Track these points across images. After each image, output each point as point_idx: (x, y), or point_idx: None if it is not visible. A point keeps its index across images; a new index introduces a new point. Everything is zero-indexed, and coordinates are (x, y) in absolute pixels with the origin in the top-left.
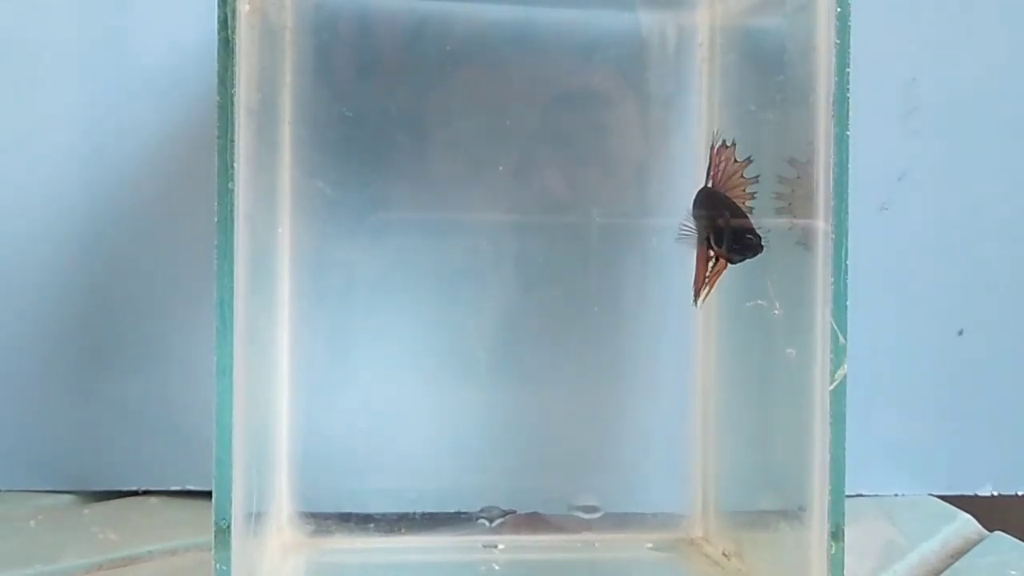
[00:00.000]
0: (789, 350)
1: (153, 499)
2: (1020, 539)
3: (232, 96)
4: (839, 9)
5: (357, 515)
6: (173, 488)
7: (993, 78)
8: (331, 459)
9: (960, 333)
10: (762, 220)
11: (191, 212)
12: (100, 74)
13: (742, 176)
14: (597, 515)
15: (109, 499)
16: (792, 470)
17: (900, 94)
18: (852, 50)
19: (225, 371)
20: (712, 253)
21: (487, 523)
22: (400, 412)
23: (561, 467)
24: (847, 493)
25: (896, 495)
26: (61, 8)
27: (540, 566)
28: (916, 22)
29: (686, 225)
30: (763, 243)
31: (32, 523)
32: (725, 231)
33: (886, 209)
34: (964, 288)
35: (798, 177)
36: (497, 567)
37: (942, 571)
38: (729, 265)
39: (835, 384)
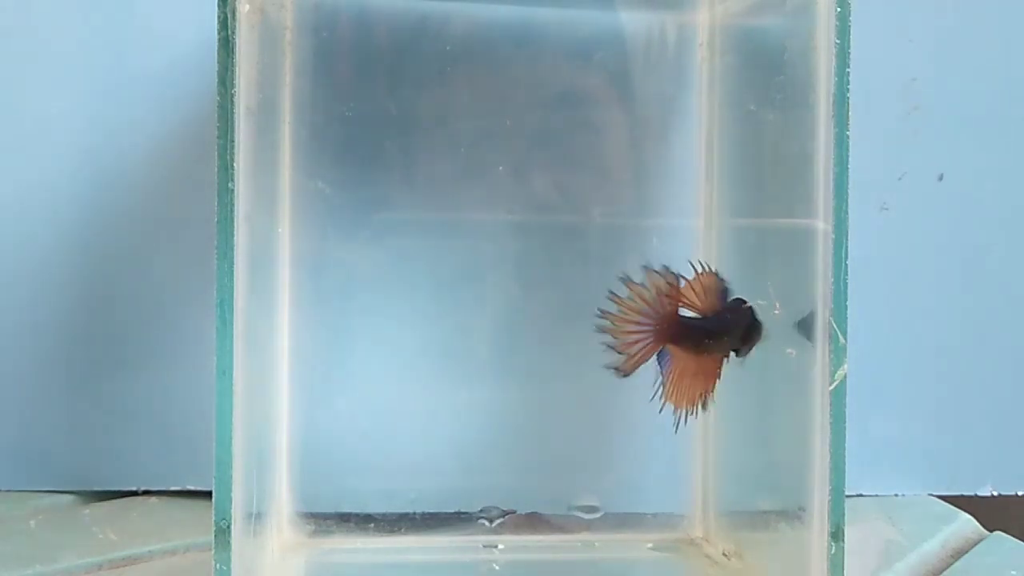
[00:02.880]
0: (789, 350)
1: (153, 499)
2: (1020, 539)
3: (232, 96)
4: (839, 9)
5: (357, 515)
6: (173, 488)
7: (993, 78)
8: (331, 459)
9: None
10: (763, 220)
11: (191, 212)
12: (99, 74)
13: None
14: (597, 515)
15: (109, 499)
16: (792, 470)
17: (900, 94)
18: (852, 50)
19: (225, 371)
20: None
21: (487, 523)
22: (400, 412)
23: (561, 467)
24: (847, 493)
25: (896, 495)
26: (60, 8)
27: (540, 566)
28: (916, 22)
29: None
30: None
31: (32, 523)
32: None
33: (886, 209)
34: (964, 288)
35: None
36: (497, 567)
37: (942, 571)
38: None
39: (835, 384)
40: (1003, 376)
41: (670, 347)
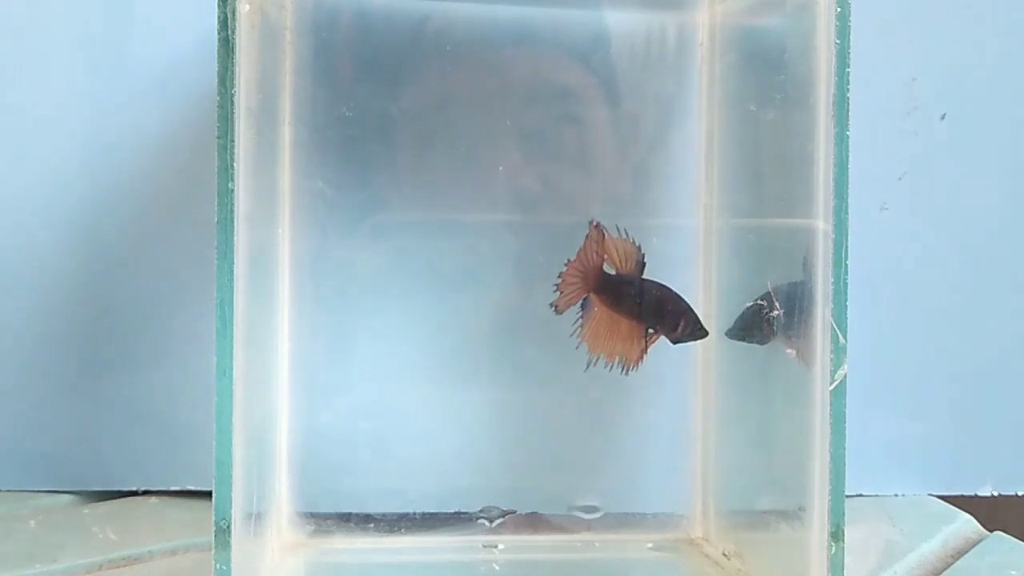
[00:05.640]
0: (789, 350)
1: (153, 499)
2: (1020, 539)
3: (232, 96)
4: (839, 9)
5: (357, 515)
6: (173, 488)
7: (993, 78)
8: (331, 459)
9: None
10: (764, 221)
11: (191, 212)
12: (100, 74)
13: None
14: (597, 515)
15: (109, 499)
16: (792, 470)
17: (900, 94)
18: (852, 50)
19: (225, 371)
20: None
21: (487, 523)
22: (400, 412)
23: (561, 467)
24: (847, 493)
25: (896, 495)
26: (61, 8)
27: (540, 566)
28: (916, 22)
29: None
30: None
31: (32, 523)
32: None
33: (886, 209)
34: (964, 288)
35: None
36: (497, 567)
37: (942, 571)
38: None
39: (835, 384)
40: (1003, 376)
41: (593, 296)
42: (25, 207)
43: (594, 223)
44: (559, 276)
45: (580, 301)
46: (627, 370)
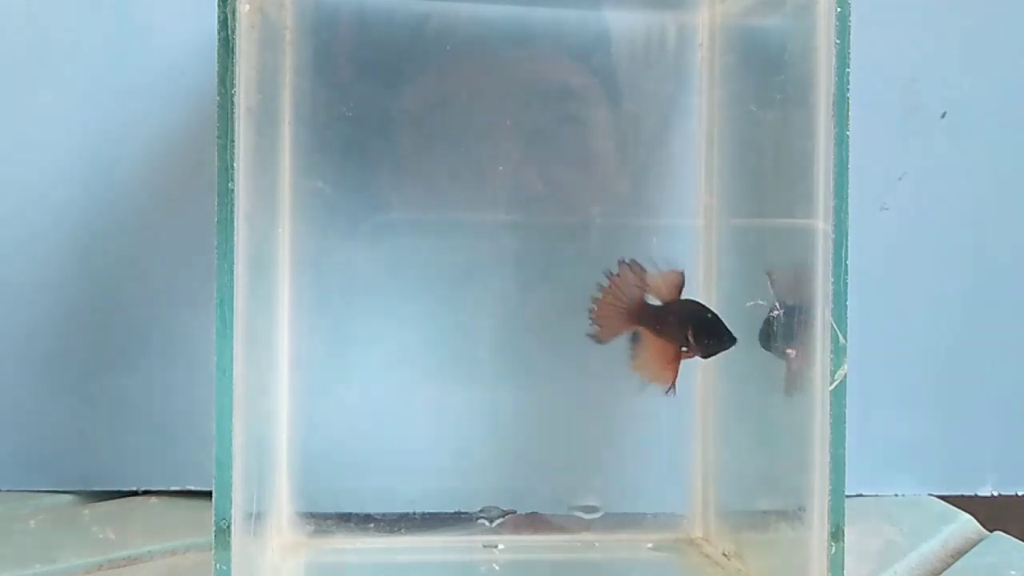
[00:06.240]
0: (789, 350)
1: (153, 499)
2: (1020, 539)
3: (232, 96)
4: (839, 9)
5: (357, 515)
6: (173, 488)
7: (993, 78)
8: (331, 459)
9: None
10: (764, 221)
11: (191, 212)
12: (100, 74)
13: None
14: (597, 515)
15: (109, 499)
16: (792, 470)
17: (900, 94)
18: (852, 50)
19: (225, 371)
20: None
21: (487, 523)
22: (400, 412)
23: (561, 467)
24: (847, 493)
25: (896, 495)
26: (62, 8)
27: (540, 566)
28: (916, 22)
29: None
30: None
31: (32, 523)
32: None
33: (886, 209)
34: (964, 288)
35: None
36: (497, 567)
37: (942, 571)
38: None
39: (835, 384)
40: (1003, 376)
41: (640, 328)
42: (25, 208)
43: (634, 263)
44: (595, 310)
45: (630, 335)
46: (667, 391)
